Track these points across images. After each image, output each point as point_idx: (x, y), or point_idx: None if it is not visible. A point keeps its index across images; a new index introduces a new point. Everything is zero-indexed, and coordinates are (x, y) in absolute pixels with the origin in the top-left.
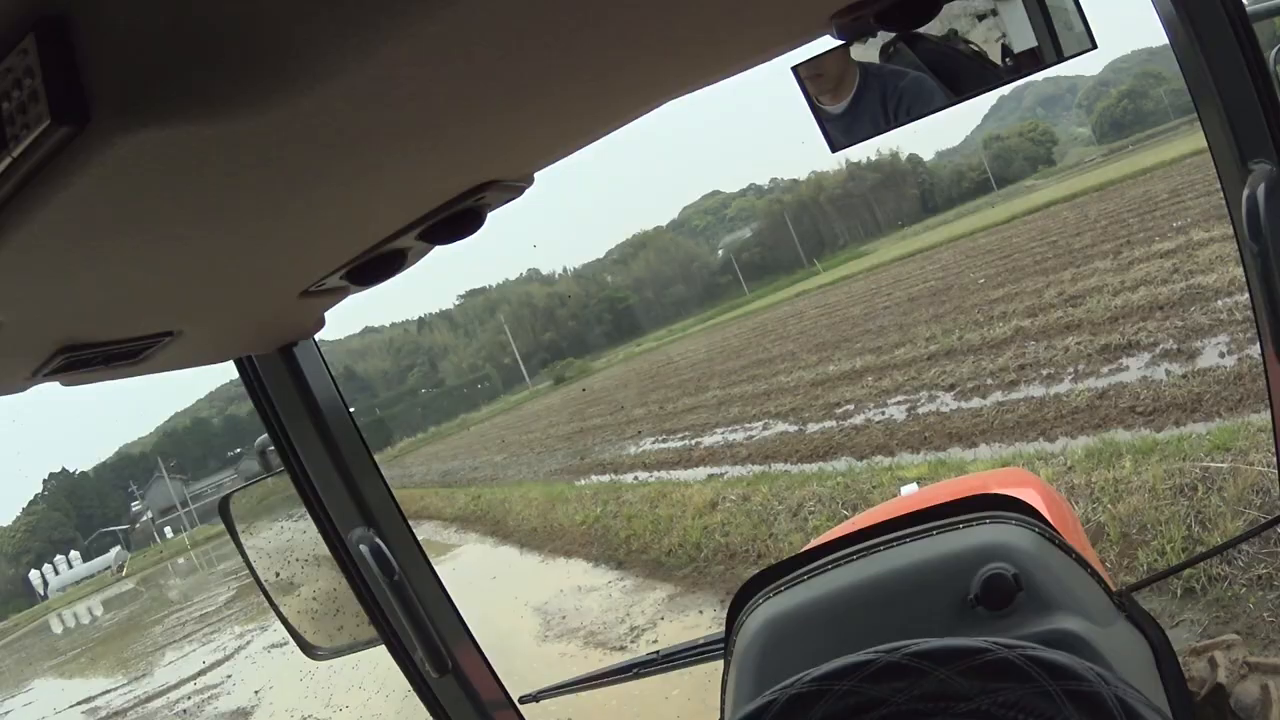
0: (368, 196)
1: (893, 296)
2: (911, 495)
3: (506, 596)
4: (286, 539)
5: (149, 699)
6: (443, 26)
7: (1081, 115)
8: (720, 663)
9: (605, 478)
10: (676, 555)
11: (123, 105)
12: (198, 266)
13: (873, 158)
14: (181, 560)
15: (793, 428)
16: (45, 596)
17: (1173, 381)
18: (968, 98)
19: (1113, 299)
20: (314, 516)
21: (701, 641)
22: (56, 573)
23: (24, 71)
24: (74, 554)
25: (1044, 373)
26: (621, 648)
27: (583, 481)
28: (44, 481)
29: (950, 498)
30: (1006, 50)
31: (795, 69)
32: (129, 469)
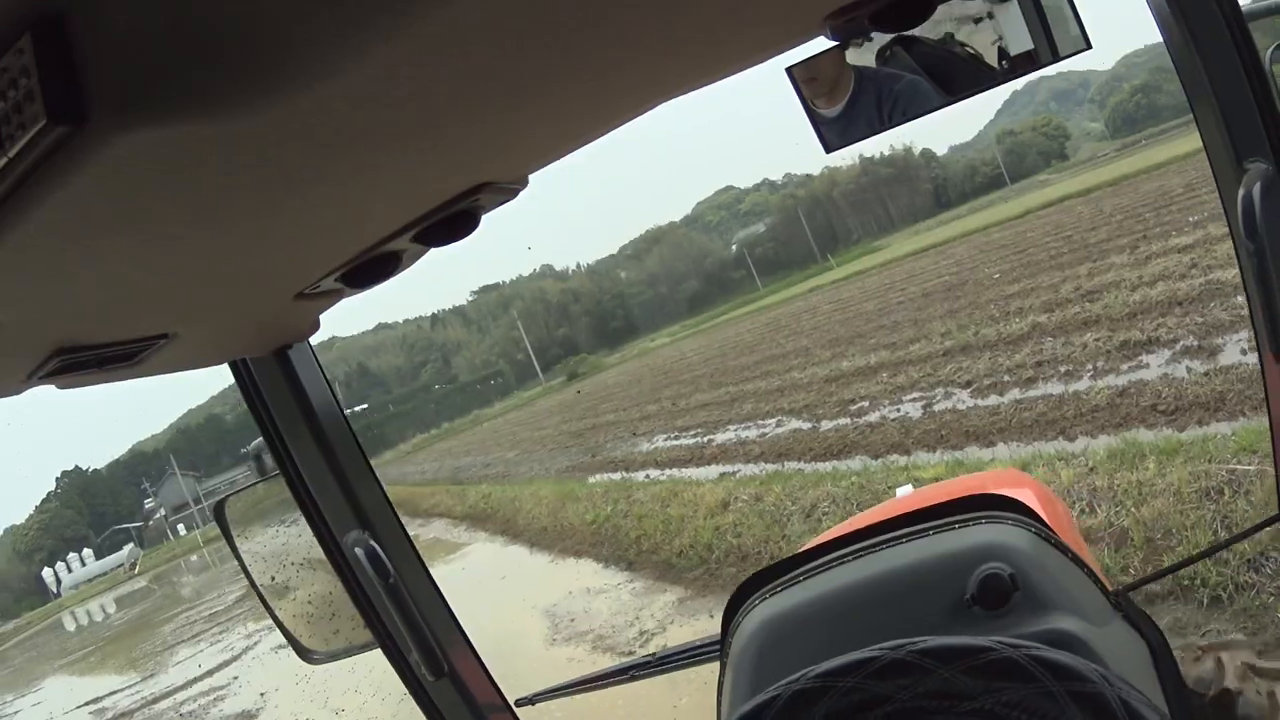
0: (363, 198)
1: (907, 292)
2: (907, 496)
3: (515, 597)
4: (282, 542)
5: (155, 700)
6: (439, 27)
7: (1094, 110)
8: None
9: (617, 475)
10: (688, 556)
11: (119, 105)
12: (193, 268)
13: (886, 153)
14: (194, 558)
15: (806, 425)
16: (58, 594)
17: (1195, 379)
18: (962, 99)
19: (1131, 294)
20: (309, 520)
21: (698, 643)
22: (69, 570)
23: (20, 71)
24: (87, 551)
25: (1062, 369)
26: (630, 653)
27: (594, 479)
28: (57, 479)
29: (946, 499)
30: (1003, 52)
31: (789, 70)
32: (142, 466)
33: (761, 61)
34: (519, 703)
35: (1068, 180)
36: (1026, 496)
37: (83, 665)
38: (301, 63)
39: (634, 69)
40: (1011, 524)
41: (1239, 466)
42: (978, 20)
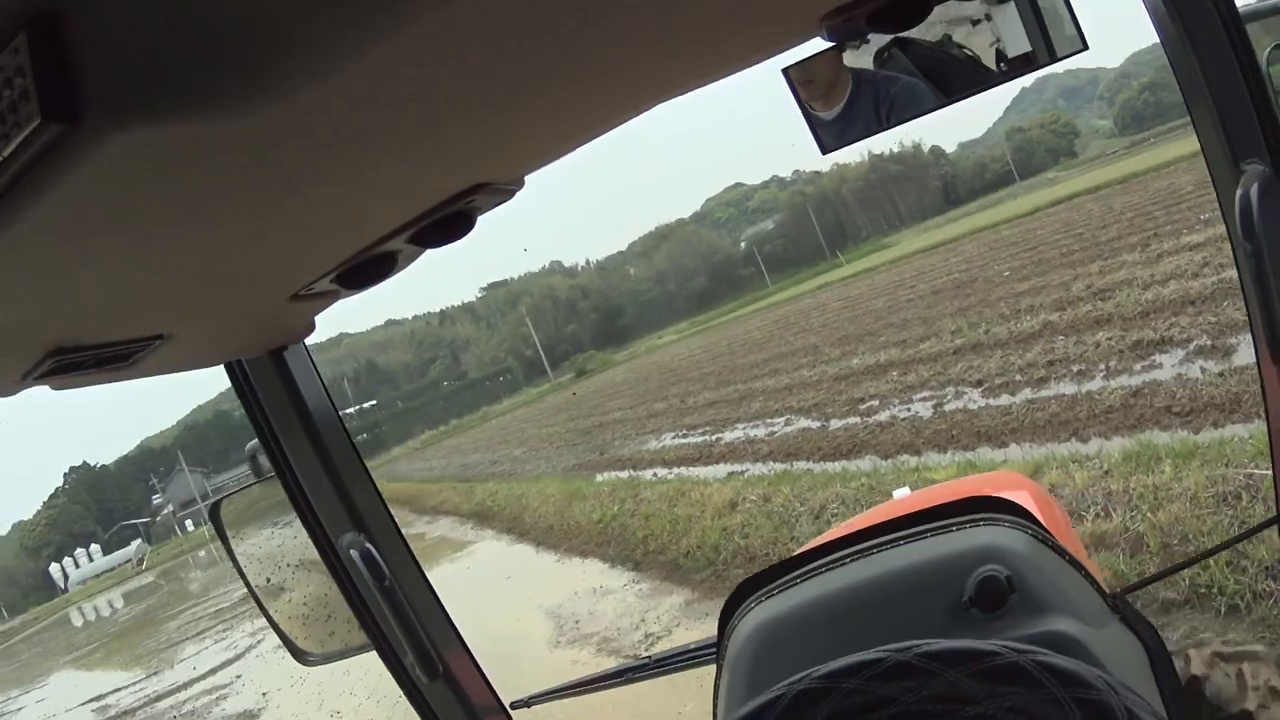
0: (359, 198)
1: (916, 289)
2: (904, 499)
3: (520, 598)
4: (277, 544)
5: (158, 698)
6: (436, 27)
7: (1103, 107)
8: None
9: (624, 474)
10: (695, 557)
11: (114, 104)
12: (188, 268)
13: (895, 149)
14: (201, 553)
15: (815, 424)
16: (65, 589)
17: (1209, 380)
18: (958, 100)
19: (1143, 293)
20: (304, 521)
21: (694, 646)
22: (77, 566)
23: (15, 70)
24: (94, 547)
25: (1074, 369)
26: (635, 657)
27: (601, 477)
28: (65, 475)
29: (943, 501)
30: (1000, 54)
31: (786, 71)
32: (150, 462)
33: (758, 62)
34: (514, 705)
35: (1077, 177)
36: (1023, 499)
37: (88, 661)
38: (298, 62)
39: (630, 69)
40: (1009, 526)
41: (1256, 471)
42: (975, 22)
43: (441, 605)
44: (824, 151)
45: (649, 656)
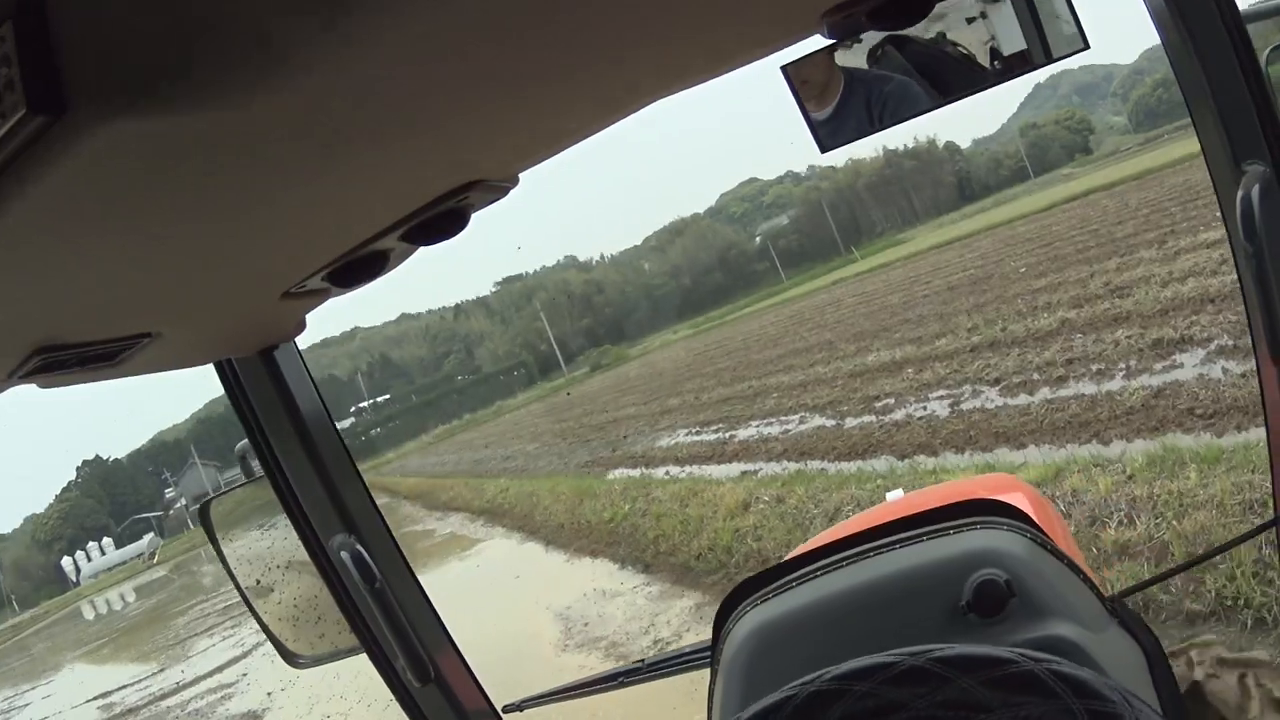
0: (350, 195)
1: (932, 285)
2: (898, 501)
3: (528, 599)
4: (267, 545)
5: (164, 696)
6: (429, 22)
7: (1117, 104)
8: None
9: (636, 472)
10: (706, 559)
11: (102, 95)
12: (176, 265)
13: (910, 145)
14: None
15: (830, 422)
16: (77, 583)
17: (1232, 381)
18: (955, 100)
19: (1161, 290)
20: (294, 523)
21: (688, 650)
22: (89, 559)
23: (1, 60)
24: (107, 541)
25: (1094, 368)
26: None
27: (613, 475)
28: (77, 469)
29: (938, 503)
30: (995, 54)
31: (785, 69)
32: (163, 456)
33: (758, 59)
34: (506, 709)
35: (1091, 174)
36: (1020, 501)
37: (96, 657)
38: (288, 56)
39: (627, 66)
40: (1007, 529)
41: None
42: (971, 21)
43: (433, 608)
44: (823, 150)
45: (642, 660)
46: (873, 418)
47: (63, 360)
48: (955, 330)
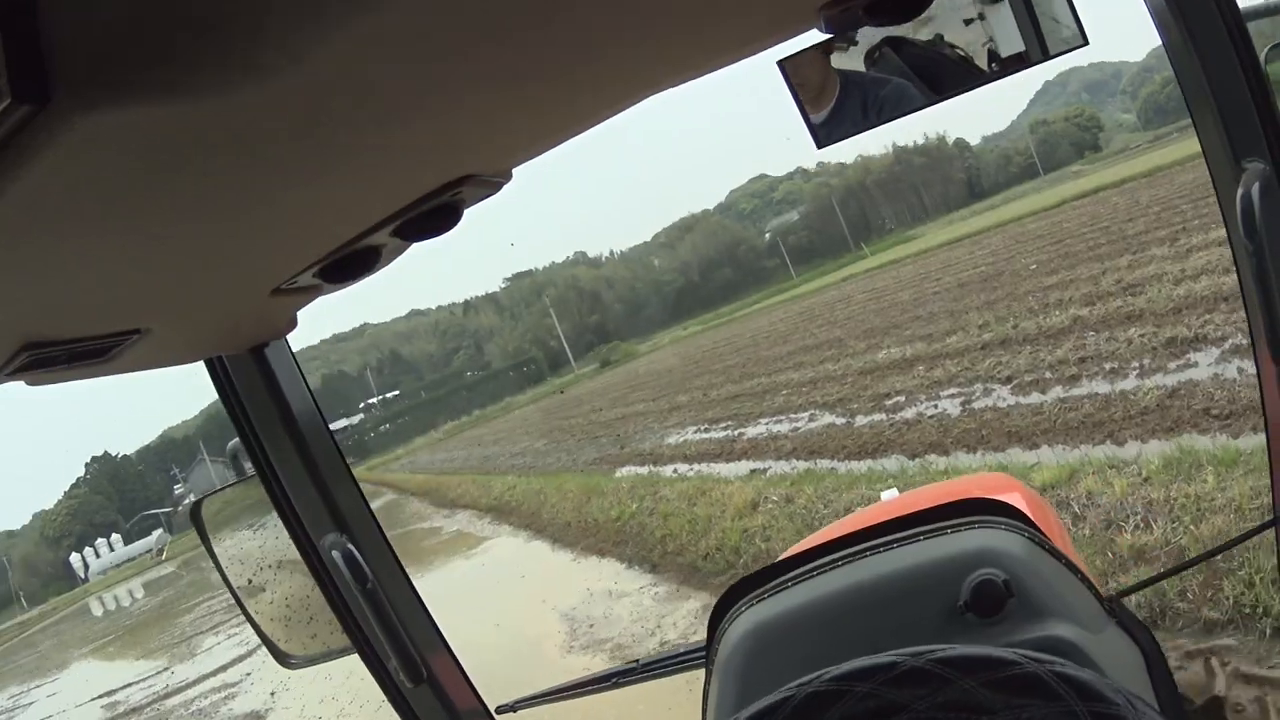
0: (341, 190)
1: (942, 282)
2: (892, 501)
3: (534, 599)
4: (259, 544)
5: (167, 695)
6: (423, 14)
7: (1126, 101)
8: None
9: (644, 469)
10: (714, 560)
11: (87, 84)
12: (165, 260)
13: (919, 141)
14: None
15: (840, 420)
16: (86, 579)
17: (1248, 381)
18: (949, 97)
19: (1174, 288)
20: (285, 522)
21: (682, 650)
22: (98, 556)
23: None
24: (115, 537)
25: (1107, 367)
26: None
27: (621, 472)
28: (86, 465)
29: (933, 503)
30: (993, 55)
31: (781, 64)
32: (172, 452)
33: (754, 54)
34: (499, 710)
35: (1101, 171)
36: (1016, 501)
37: (102, 654)
38: (278, 48)
39: (621, 60)
40: (1005, 529)
41: None
42: (968, 21)
43: (425, 608)
44: (819, 146)
45: (636, 660)
46: (883, 416)
47: (51, 357)
48: (966, 327)
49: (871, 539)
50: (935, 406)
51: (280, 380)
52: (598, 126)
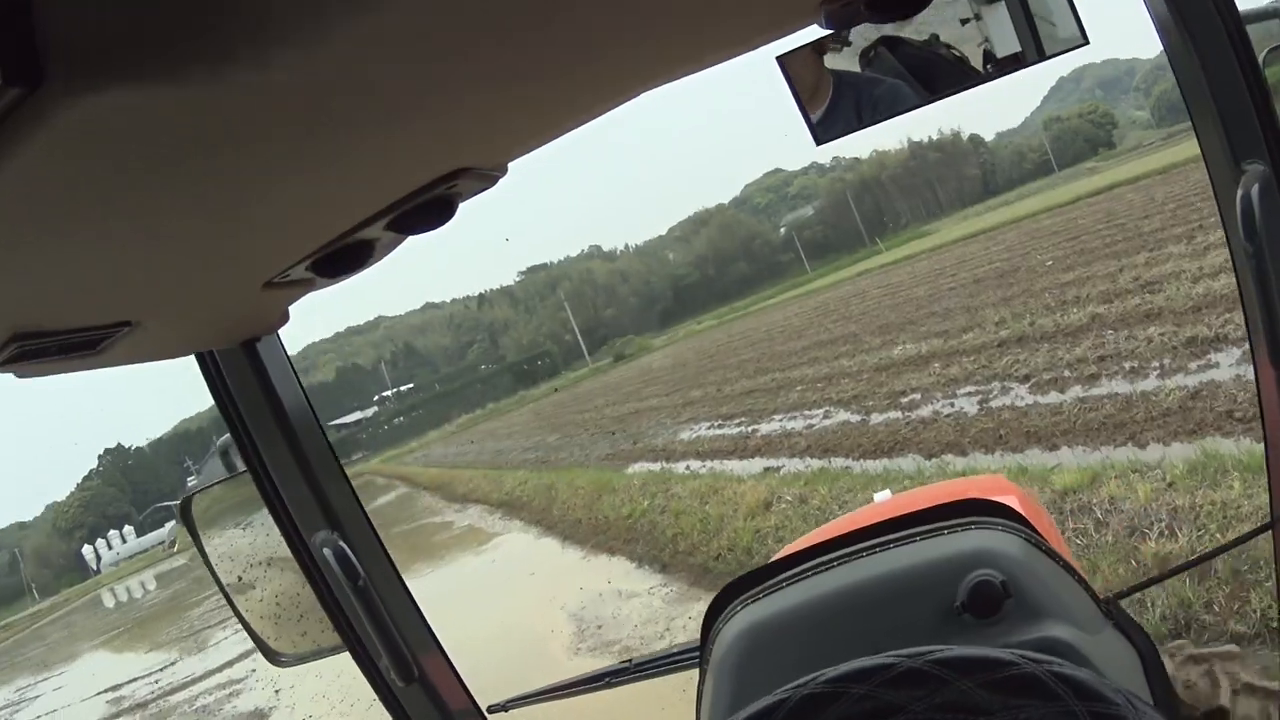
0: (335, 182)
1: (958, 277)
2: (886, 502)
3: (543, 597)
4: (249, 541)
5: (173, 691)
6: (423, 12)
7: (1140, 98)
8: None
9: (656, 465)
10: (725, 560)
11: (80, 66)
12: (156, 250)
13: (934, 137)
14: None
15: (855, 417)
16: (98, 571)
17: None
18: (946, 96)
19: (1193, 286)
20: (276, 519)
21: (677, 650)
22: (110, 547)
23: None
24: (128, 529)
25: (1127, 366)
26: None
27: (632, 469)
28: (99, 457)
29: (927, 505)
30: (989, 55)
31: (780, 59)
32: (185, 444)
33: (754, 48)
34: (491, 709)
35: (1115, 168)
36: (1011, 503)
37: (110, 647)
38: (275, 36)
39: (619, 54)
40: (1002, 530)
41: None
42: (964, 21)
43: (417, 607)
44: (818, 142)
45: (630, 660)
46: (899, 414)
47: (42, 348)
48: (982, 324)
49: (867, 539)
50: (952, 405)
51: (272, 375)
52: (599, 119)
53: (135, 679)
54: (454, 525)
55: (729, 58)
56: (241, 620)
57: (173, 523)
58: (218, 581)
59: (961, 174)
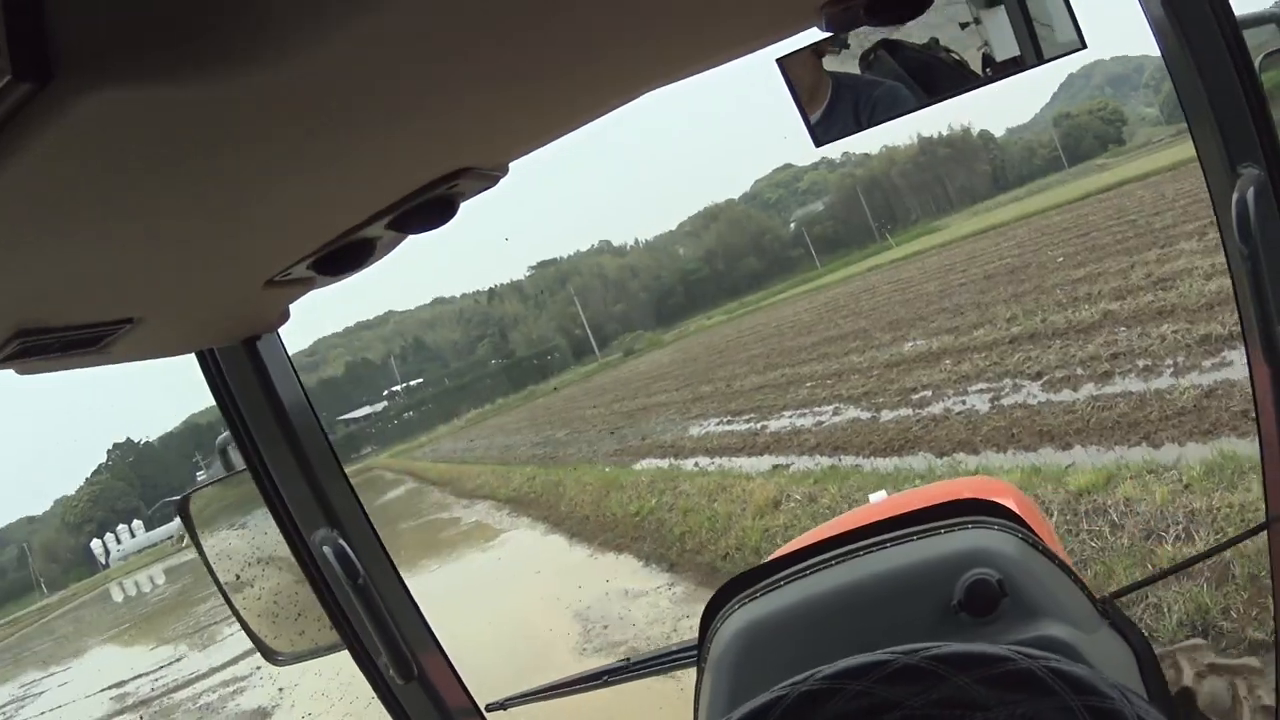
0: (337, 181)
1: (968, 273)
2: (882, 502)
3: (548, 596)
4: (248, 540)
5: (177, 688)
6: (424, 13)
7: (1149, 95)
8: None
9: (665, 462)
10: (733, 560)
11: (89, 63)
12: (160, 248)
13: (944, 133)
14: None
15: (865, 414)
16: (107, 565)
17: None
18: (945, 99)
19: (1205, 283)
20: (276, 517)
21: (674, 648)
22: (119, 542)
23: None
24: (137, 523)
25: (1140, 364)
26: (673, 676)
27: (641, 465)
28: (108, 451)
29: (924, 505)
30: (988, 59)
31: (780, 61)
32: (195, 439)
33: (754, 51)
34: (489, 707)
35: (1125, 164)
36: (1007, 504)
37: (117, 643)
38: (276, 32)
39: (620, 56)
40: (998, 529)
41: None
42: (964, 25)
43: (416, 605)
44: (817, 144)
45: (627, 659)
46: (909, 411)
47: (44, 344)
48: (993, 320)
49: (864, 538)
50: (963, 402)
51: (272, 374)
52: (602, 119)
53: (140, 675)
54: (461, 521)
55: (729, 59)
56: (239, 619)
57: None
58: (215, 580)
59: (972, 170)
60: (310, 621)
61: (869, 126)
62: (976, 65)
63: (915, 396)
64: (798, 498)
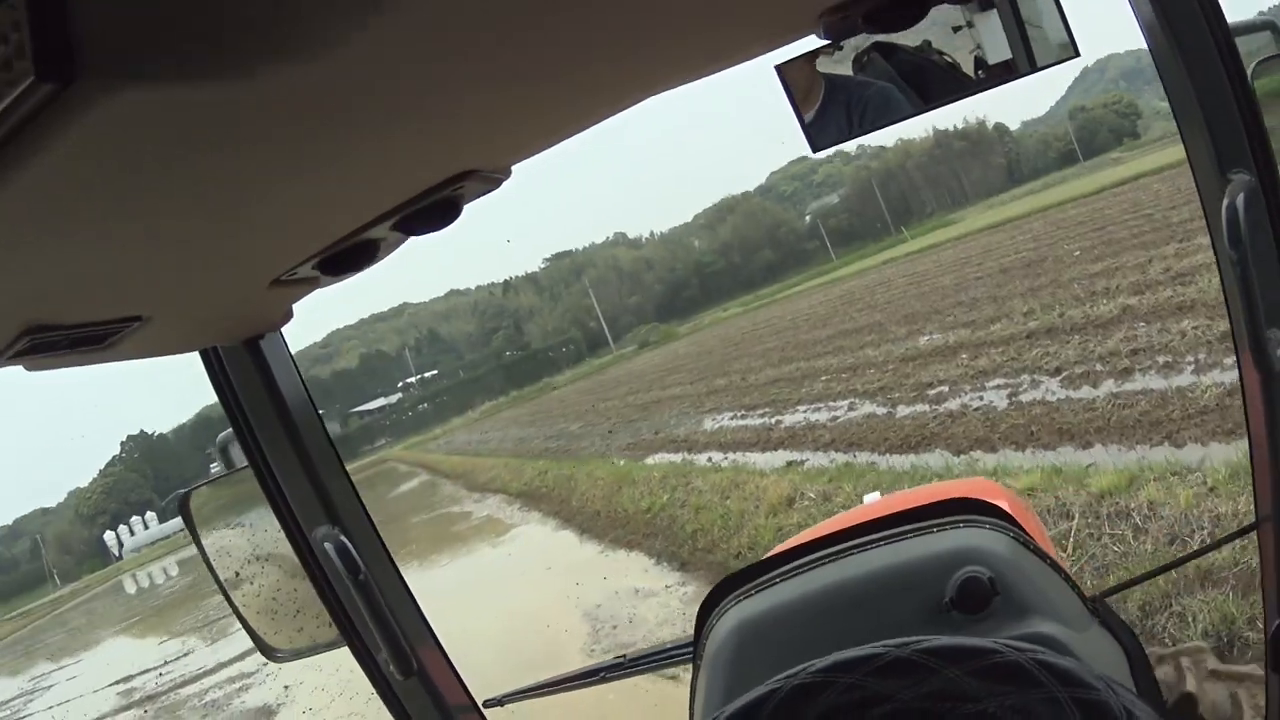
0: (343, 183)
1: (984, 267)
2: (876, 503)
3: (558, 594)
4: (248, 537)
5: (184, 683)
6: (431, 15)
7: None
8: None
9: (678, 456)
10: (745, 559)
11: (110, 64)
12: (169, 247)
13: (959, 126)
14: None
15: (881, 410)
16: (119, 557)
17: None
18: (939, 106)
19: None
20: (277, 514)
21: (670, 645)
22: (132, 534)
23: (11, 26)
24: (150, 515)
25: (1160, 360)
26: (673, 676)
27: (654, 459)
28: (122, 443)
29: (918, 504)
30: (980, 63)
31: (779, 68)
32: (208, 431)
33: (754, 58)
34: (488, 704)
35: (1140, 158)
36: (999, 505)
37: (127, 635)
38: (286, 35)
39: (622, 61)
40: (990, 528)
41: None
42: (957, 29)
43: (415, 602)
44: (815, 150)
45: (624, 655)
46: (925, 407)
47: (52, 341)
48: (1010, 314)
49: (858, 537)
50: (980, 398)
51: (275, 372)
52: (605, 122)
53: (147, 670)
54: (473, 515)
55: (729, 66)
56: (239, 616)
57: None
58: (215, 577)
59: (987, 163)
60: (309, 618)
61: (866, 133)
62: (970, 70)
63: (931, 392)
64: (812, 496)
